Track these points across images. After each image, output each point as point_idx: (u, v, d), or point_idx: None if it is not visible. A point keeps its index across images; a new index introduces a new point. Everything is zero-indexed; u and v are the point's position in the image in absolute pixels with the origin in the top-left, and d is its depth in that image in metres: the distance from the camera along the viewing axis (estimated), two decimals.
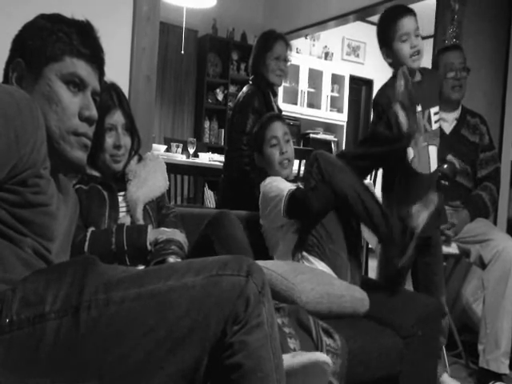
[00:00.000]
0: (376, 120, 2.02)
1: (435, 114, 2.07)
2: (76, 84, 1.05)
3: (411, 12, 1.99)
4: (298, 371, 1.14)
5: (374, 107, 2.06)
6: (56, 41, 1.03)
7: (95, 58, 1.09)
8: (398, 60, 1.99)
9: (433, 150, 2.03)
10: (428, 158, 2.01)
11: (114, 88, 1.60)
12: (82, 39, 1.06)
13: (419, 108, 2.02)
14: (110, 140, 1.57)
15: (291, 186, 1.94)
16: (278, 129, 2.12)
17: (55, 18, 1.07)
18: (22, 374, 0.80)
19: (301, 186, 2.09)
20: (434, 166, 2.04)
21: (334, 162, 1.87)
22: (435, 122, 2.07)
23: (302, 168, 3.80)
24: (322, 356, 1.20)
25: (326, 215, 1.82)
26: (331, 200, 1.82)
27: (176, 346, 0.83)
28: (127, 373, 0.82)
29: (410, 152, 1.99)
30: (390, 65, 2.06)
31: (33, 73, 1.02)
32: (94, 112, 1.06)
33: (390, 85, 2.01)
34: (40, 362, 0.80)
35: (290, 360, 1.15)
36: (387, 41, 2.00)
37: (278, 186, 1.96)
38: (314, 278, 1.62)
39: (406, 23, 1.96)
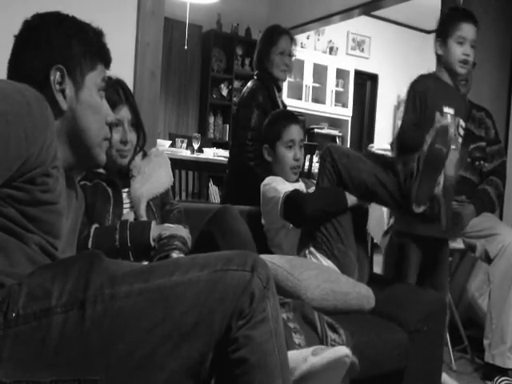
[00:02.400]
0: (412, 107, 1.98)
1: (462, 127, 2.08)
2: (104, 90, 1.09)
3: (476, 22, 2.00)
4: (321, 369, 1.13)
5: (409, 92, 2.02)
6: (90, 49, 1.05)
7: (110, 61, 1.12)
8: (447, 59, 2.01)
9: (455, 157, 2.01)
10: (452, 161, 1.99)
11: (120, 84, 1.59)
12: (102, 45, 1.09)
13: (452, 111, 2.03)
14: (116, 136, 1.56)
15: (290, 187, 1.94)
16: (297, 134, 2.12)
17: (79, 23, 1.07)
18: (27, 367, 0.80)
19: (302, 184, 2.08)
20: (451, 171, 2.00)
21: (348, 153, 1.86)
22: (460, 135, 2.08)
23: (307, 163, 3.79)
24: (343, 350, 1.17)
25: (328, 220, 1.80)
26: (332, 205, 1.80)
27: (181, 341, 0.83)
28: (133, 367, 0.82)
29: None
30: (438, 57, 2.07)
31: (76, 82, 1.03)
32: (114, 117, 1.13)
33: (431, 76, 2.04)
34: (46, 356, 0.81)
35: (312, 359, 1.13)
36: (444, 34, 2.02)
37: (276, 187, 1.95)
38: (320, 275, 1.61)
39: (468, 29, 1.98)
